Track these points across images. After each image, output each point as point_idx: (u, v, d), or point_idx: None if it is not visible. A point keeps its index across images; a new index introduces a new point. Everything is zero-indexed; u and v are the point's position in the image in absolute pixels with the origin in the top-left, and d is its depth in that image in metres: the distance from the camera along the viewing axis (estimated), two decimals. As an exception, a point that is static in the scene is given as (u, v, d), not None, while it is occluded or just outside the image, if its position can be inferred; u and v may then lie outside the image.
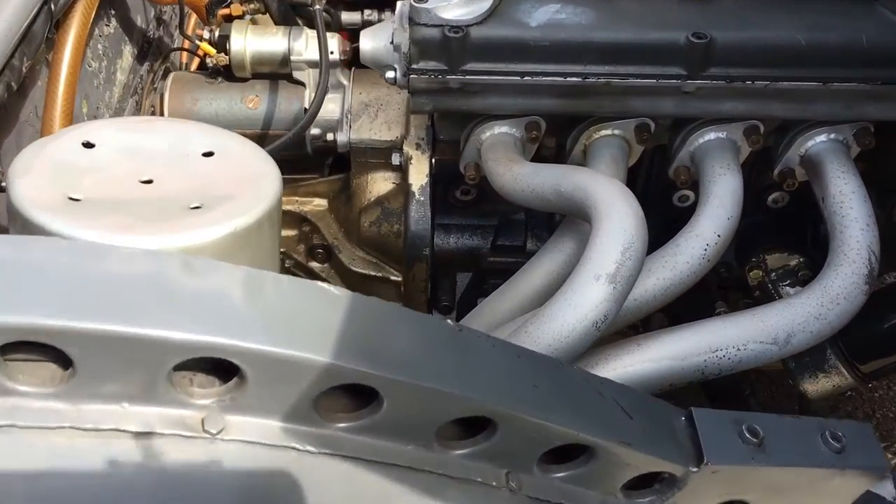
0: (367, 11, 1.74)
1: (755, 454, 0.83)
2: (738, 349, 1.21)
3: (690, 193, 1.56)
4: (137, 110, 1.66)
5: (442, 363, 0.71)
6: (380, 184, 1.65)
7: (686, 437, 0.84)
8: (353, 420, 0.70)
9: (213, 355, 0.62)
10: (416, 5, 1.28)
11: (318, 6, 1.55)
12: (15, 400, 0.61)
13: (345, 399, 0.71)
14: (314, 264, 1.74)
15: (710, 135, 1.44)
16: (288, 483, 0.66)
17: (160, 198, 0.76)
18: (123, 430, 0.63)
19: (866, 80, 1.33)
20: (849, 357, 1.58)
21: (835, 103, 1.37)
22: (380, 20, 1.72)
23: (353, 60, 1.61)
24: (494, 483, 0.75)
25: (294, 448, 0.67)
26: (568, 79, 1.32)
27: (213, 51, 1.61)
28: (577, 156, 1.49)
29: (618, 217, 1.16)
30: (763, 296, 1.64)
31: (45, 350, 0.61)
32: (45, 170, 0.76)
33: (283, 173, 1.69)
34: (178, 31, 1.72)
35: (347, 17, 1.74)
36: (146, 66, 1.70)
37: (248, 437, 0.66)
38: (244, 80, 1.66)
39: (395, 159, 1.59)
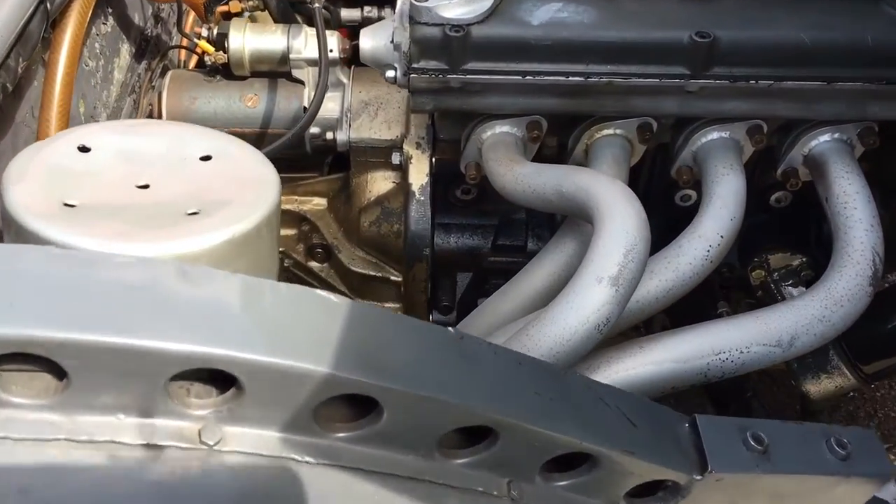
0: (366, 8, 1.73)
1: (760, 462, 0.82)
2: (742, 352, 1.20)
3: (693, 193, 1.55)
4: (135, 109, 1.64)
5: (442, 372, 0.70)
6: (380, 183, 1.63)
7: (690, 445, 0.83)
8: (353, 430, 0.69)
9: (210, 366, 0.61)
10: (416, 4, 1.27)
11: (317, 4, 1.54)
12: (8, 412, 0.60)
13: (344, 408, 0.70)
14: (313, 264, 1.73)
15: (713, 134, 1.43)
16: (287, 495, 0.65)
17: (157, 203, 0.75)
18: (119, 442, 0.62)
19: (871, 79, 1.32)
20: (851, 358, 1.58)
21: (839, 103, 1.36)
22: (380, 17, 1.71)
23: (352, 58, 1.60)
24: (496, 492, 0.75)
25: (293, 459, 0.66)
26: (570, 78, 1.31)
27: (211, 49, 1.60)
28: (579, 155, 1.47)
29: (620, 218, 1.14)
30: (765, 296, 1.63)
31: (40, 360, 0.60)
32: (39, 175, 0.75)
33: (282, 172, 1.68)
34: (176, 28, 1.70)
35: (347, 13, 1.73)
36: (144, 64, 1.69)
37: (246, 447, 0.65)
38: (243, 78, 1.65)
39: (395, 158, 1.58)
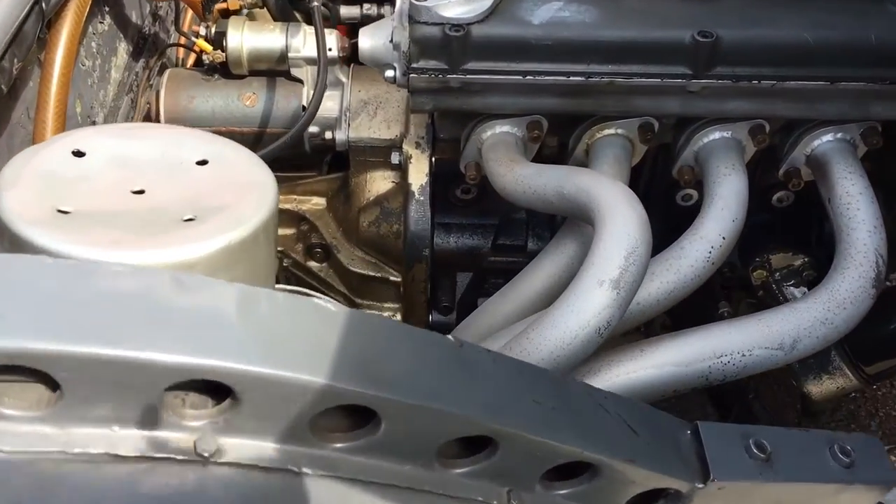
0: (366, 5, 1.72)
1: (762, 470, 0.82)
2: (744, 355, 1.19)
3: (694, 192, 1.54)
4: (133, 108, 1.63)
5: (441, 382, 0.69)
6: (379, 183, 1.62)
7: (692, 452, 0.82)
8: (351, 440, 0.68)
9: (205, 377, 0.60)
10: (416, 3, 1.25)
11: (316, 2, 1.52)
12: (1, 424, 0.59)
13: (342, 418, 0.69)
14: (312, 263, 1.72)
15: (715, 134, 1.41)
16: (284, 507, 0.64)
17: (152, 209, 0.74)
18: (113, 455, 0.61)
19: (874, 79, 1.30)
20: (853, 359, 1.57)
21: (842, 103, 1.35)
22: (379, 14, 1.70)
23: (351, 57, 1.58)
24: (496, 502, 0.74)
25: (290, 470, 0.65)
26: (571, 78, 1.30)
27: (209, 48, 1.58)
28: (580, 155, 1.46)
29: (621, 221, 1.13)
30: (767, 296, 1.62)
31: (32, 371, 0.59)
32: (33, 181, 0.74)
33: (281, 171, 1.68)
34: (174, 26, 1.69)
35: (346, 10, 1.72)
36: (142, 62, 1.68)
37: (242, 459, 0.64)
38: (241, 77, 1.63)
39: (395, 158, 1.57)
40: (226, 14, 1.69)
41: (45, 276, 0.59)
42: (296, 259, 1.73)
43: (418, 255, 1.55)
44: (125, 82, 1.60)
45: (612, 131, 1.42)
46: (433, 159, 1.56)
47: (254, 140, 1.63)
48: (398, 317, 1.67)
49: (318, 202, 1.72)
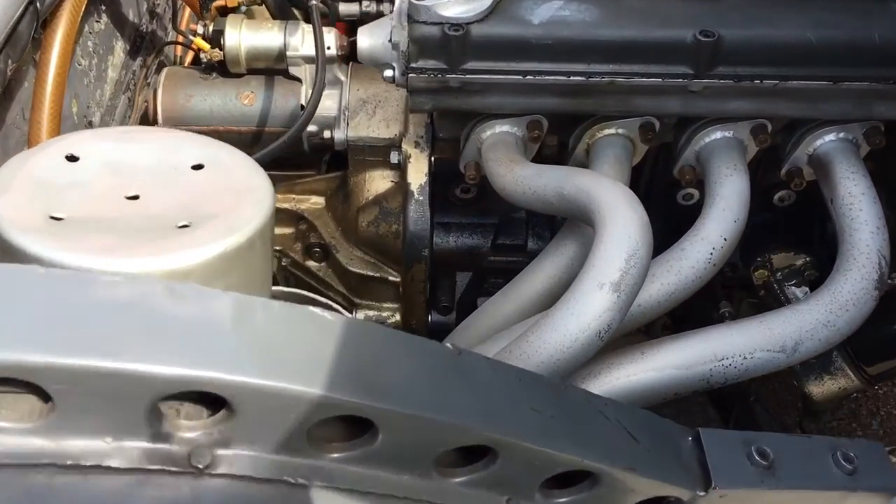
0: (365, 3, 1.70)
1: (765, 477, 0.81)
2: (745, 358, 1.18)
3: (695, 192, 1.53)
4: (130, 107, 1.62)
5: (439, 391, 0.68)
6: (378, 182, 1.61)
7: (693, 459, 0.82)
8: (348, 450, 0.67)
9: (200, 389, 0.59)
10: (415, 2, 1.24)
11: (314, 1, 1.51)
12: (-8, 436, 0.58)
13: (339, 427, 0.68)
14: (311, 263, 1.71)
15: (717, 134, 1.40)
16: (279, 518, 0.64)
17: (146, 215, 0.73)
18: (106, 467, 0.60)
19: (877, 78, 1.29)
20: (855, 359, 1.56)
21: (845, 102, 1.34)
22: (378, 11, 1.69)
23: (350, 55, 1.57)
24: (495, 511, 0.73)
25: (286, 481, 0.65)
26: (571, 78, 1.28)
27: (206, 46, 1.57)
28: (580, 154, 1.45)
29: (622, 223, 1.12)
30: (768, 296, 1.61)
31: (24, 382, 0.58)
32: (25, 187, 0.73)
33: (279, 170, 1.68)
34: (171, 24, 1.68)
35: (345, 8, 1.71)
36: (139, 60, 1.66)
37: (237, 470, 0.64)
38: (239, 75, 1.62)
39: (394, 157, 1.56)
40: (224, 12, 1.68)
41: (37, 287, 0.58)
42: (294, 258, 1.71)
43: (417, 255, 1.54)
44: (122, 81, 1.59)
45: (612, 131, 1.41)
46: (432, 159, 1.55)
47: (252, 139, 1.63)
48: (397, 317, 1.67)
49: (317, 201, 1.71)
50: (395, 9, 1.29)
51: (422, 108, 1.38)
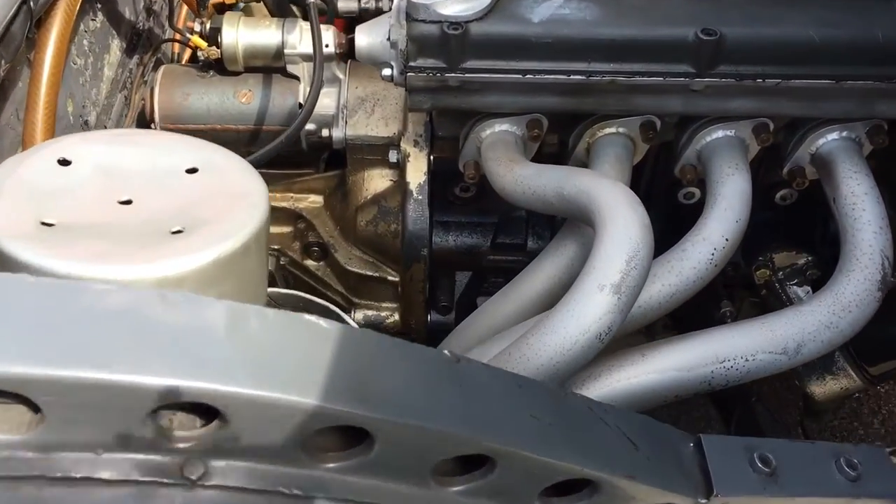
0: (364, -1, 1.69)
1: (767, 484, 0.80)
2: (747, 360, 1.17)
3: (696, 190, 1.52)
4: (127, 105, 1.61)
5: (436, 399, 0.67)
6: (377, 181, 1.60)
7: (694, 466, 0.81)
8: (343, 460, 0.66)
9: (192, 400, 0.58)
10: (413, 0, 1.23)
11: (312, -1, 1.50)
12: (-20, 448, 0.57)
13: (335, 436, 0.67)
14: (309, 262, 1.70)
15: (718, 133, 1.39)
16: (274, 530, 0.63)
17: (139, 221, 0.72)
18: (97, 479, 0.59)
19: (881, 77, 1.28)
20: (857, 359, 1.55)
21: (847, 101, 1.32)
22: (377, 8, 1.67)
23: (348, 53, 1.55)
24: (493, 520, 0.72)
25: (280, 492, 0.64)
26: (571, 77, 1.27)
27: (203, 44, 1.56)
28: (581, 153, 1.44)
29: (623, 224, 1.11)
30: (770, 295, 1.60)
31: (13, 394, 0.57)
32: (16, 192, 0.71)
33: (277, 168, 1.67)
34: (168, 22, 1.67)
35: (344, 4, 1.69)
36: (136, 59, 1.65)
37: (230, 481, 0.63)
38: (237, 73, 1.61)
39: (393, 156, 1.54)
40: (221, 9, 1.67)
41: (26, 296, 0.57)
42: (293, 257, 1.70)
43: (416, 255, 1.53)
44: (119, 80, 1.57)
45: (613, 130, 1.40)
46: (431, 158, 1.54)
47: (249, 138, 1.61)
48: (396, 316, 1.65)
49: (316, 200, 1.69)
50: (393, 7, 1.27)
51: (420, 108, 1.37)
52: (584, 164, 1.42)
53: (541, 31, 1.25)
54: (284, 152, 1.48)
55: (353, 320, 1.64)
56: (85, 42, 1.42)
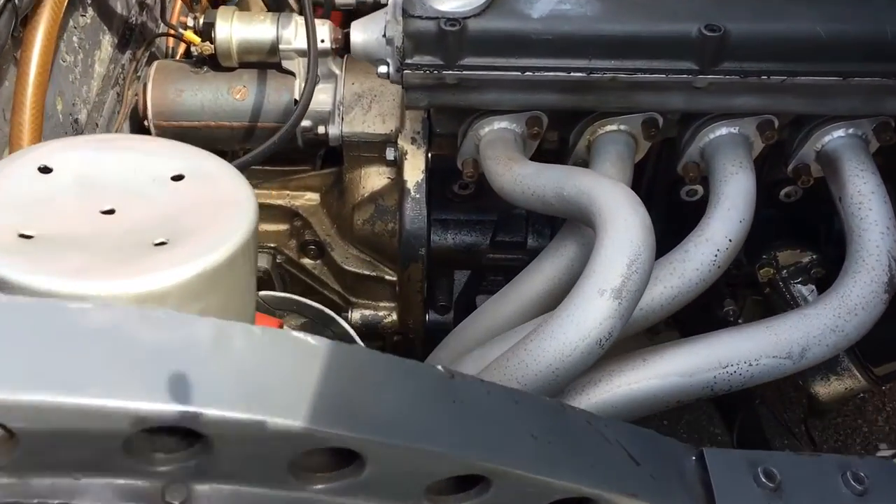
0: (361, -9, 1.65)
1: (771, 499, 0.77)
2: (750, 364, 1.15)
3: (699, 188, 1.49)
4: (119, 102, 1.58)
5: (430, 419, 0.64)
6: (374, 179, 1.57)
7: (697, 481, 0.78)
8: (334, 481, 0.64)
9: (173, 424, 0.56)
10: (409, -4, 1.20)
11: (306, -7, 1.46)
12: (-48, 475, 0.55)
13: (324, 456, 0.64)
14: (306, 261, 1.67)
15: (722, 130, 1.36)
16: (260, 555, 0.60)
17: (121, 232, 0.69)
18: (75, 506, 0.57)
19: (888, 74, 1.25)
20: (862, 360, 1.53)
21: (854, 98, 1.29)
22: (375, 1, 1.64)
23: (345, 48, 1.53)
24: (488, 540, 0.70)
25: (267, 516, 0.61)
26: (572, 74, 1.24)
27: (197, 39, 1.53)
28: (581, 151, 1.41)
29: (624, 226, 1.09)
30: (774, 294, 1.58)
31: (-12, 416, 0.55)
32: (-6, 203, 0.69)
33: (273, 165, 1.64)
34: (160, 17, 1.63)
35: (341, -3, 1.66)
36: (128, 54, 1.62)
37: (215, 506, 0.60)
38: (231, 69, 1.58)
39: (390, 154, 1.52)
40: (215, 3, 1.64)
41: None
42: (289, 256, 1.68)
43: (414, 254, 1.51)
44: (110, 76, 1.54)
45: (614, 127, 1.37)
46: (429, 155, 1.51)
47: (244, 135, 1.58)
48: (394, 316, 1.63)
49: (312, 198, 1.67)
50: (389, 2, 1.24)
51: (417, 105, 1.34)
52: (585, 161, 1.39)
53: (540, 28, 1.22)
54: (280, 149, 1.46)
55: (351, 320, 1.61)
56: (74, 39, 1.39)
